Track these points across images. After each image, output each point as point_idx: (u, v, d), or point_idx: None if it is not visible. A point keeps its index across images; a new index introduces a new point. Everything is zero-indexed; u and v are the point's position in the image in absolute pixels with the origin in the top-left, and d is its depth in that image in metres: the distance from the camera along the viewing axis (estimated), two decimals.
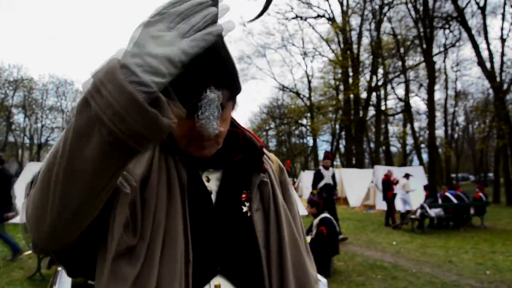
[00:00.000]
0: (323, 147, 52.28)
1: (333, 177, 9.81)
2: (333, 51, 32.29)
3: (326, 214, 6.67)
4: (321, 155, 47.38)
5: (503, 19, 23.74)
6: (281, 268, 1.01)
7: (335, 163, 39.23)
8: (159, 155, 0.96)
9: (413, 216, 12.20)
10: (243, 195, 1.06)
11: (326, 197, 9.22)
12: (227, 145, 1.04)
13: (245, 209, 1.04)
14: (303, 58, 36.41)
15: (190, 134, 0.93)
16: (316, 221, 6.61)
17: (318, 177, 9.69)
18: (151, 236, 0.87)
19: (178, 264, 0.87)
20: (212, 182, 1.04)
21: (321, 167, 9.85)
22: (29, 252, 6.81)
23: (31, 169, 12.23)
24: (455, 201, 12.85)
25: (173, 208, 0.91)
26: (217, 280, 0.95)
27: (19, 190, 11.53)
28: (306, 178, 25.02)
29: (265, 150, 1.15)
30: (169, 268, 0.86)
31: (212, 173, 1.05)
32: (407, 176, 13.94)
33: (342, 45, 30.71)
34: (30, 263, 7.07)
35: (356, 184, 19.71)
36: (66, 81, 44.57)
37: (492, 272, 7.15)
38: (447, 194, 13.35)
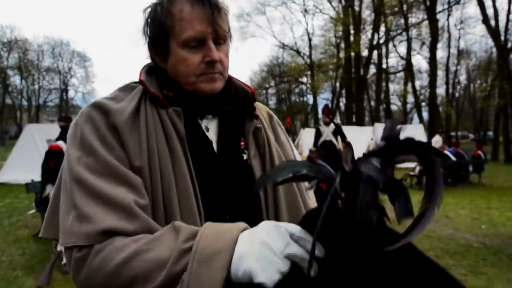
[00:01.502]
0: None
1: (337, 132, 9.41)
2: (334, 8, 31.52)
3: None
4: (321, 113, 47.20)
5: None
6: (276, 211, 1.04)
7: (335, 120, 38.98)
8: (151, 113, 0.96)
9: (411, 173, 12.32)
10: (242, 143, 1.06)
11: (324, 155, 9.18)
12: (221, 93, 1.04)
13: (245, 157, 1.05)
14: (304, 16, 35.78)
15: (200, 67, 0.97)
16: None
17: (316, 134, 9.45)
18: (163, 196, 0.89)
19: (197, 218, 0.90)
20: (211, 132, 1.04)
21: (320, 124, 9.63)
22: (33, 211, 6.92)
23: (31, 131, 12.21)
24: (454, 158, 12.92)
25: (178, 164, 0.92)
26: None
27: (19, 151, 11.62)
28: (306, 135, 25.02)
29: None
30: (190, 223, 0.87)
31: (210, 122, 1.05)
32: (440, 133, 15.07)
33: (343, 2, 29.94)
34: (34, 221, 7.19)
35: (356, 142, 19.03)
36: (62, 42, 43.84)
37: (487, 227, 7.29)
38: (446, 151, 13.41)
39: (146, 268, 0.75)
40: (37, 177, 6.16)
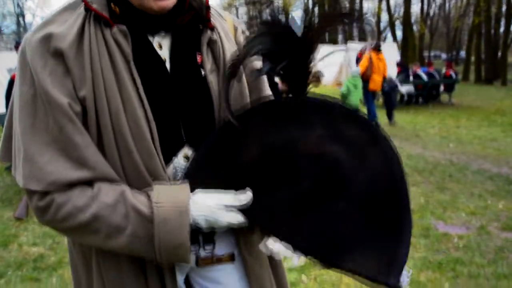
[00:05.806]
0: None
1: None
2: None
3: None
4: None
5: None
6: None
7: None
8: (95, 34, 0.87)
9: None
10: (199, 58, 0.98)
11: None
12: (175, 5, 0.93)
13: (204, 72, 0.98)
14: None
15: None
16: None
17: None
18: (112, 122, 0.85)
19: (149, 142, 0.86)
20: (164, 50, 0.95)
21: None
22: None
23: None
24: (425, 78, 13.06)
25: (124, 88, 0.86)
26: (185, 150, 0.93)
27: None
28: None
29: (215, 8, 1.06)
30: (143, 147, 0.86)
31: (164, 39, 0.96)
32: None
33: None
34: None
35: (329, 61, 19.55)
36: None
37: (454, 145, 7.61)
38: (418, 71, 13.50)
39: (107, 229, 0.83)
40: (2, 109, 5.92)
